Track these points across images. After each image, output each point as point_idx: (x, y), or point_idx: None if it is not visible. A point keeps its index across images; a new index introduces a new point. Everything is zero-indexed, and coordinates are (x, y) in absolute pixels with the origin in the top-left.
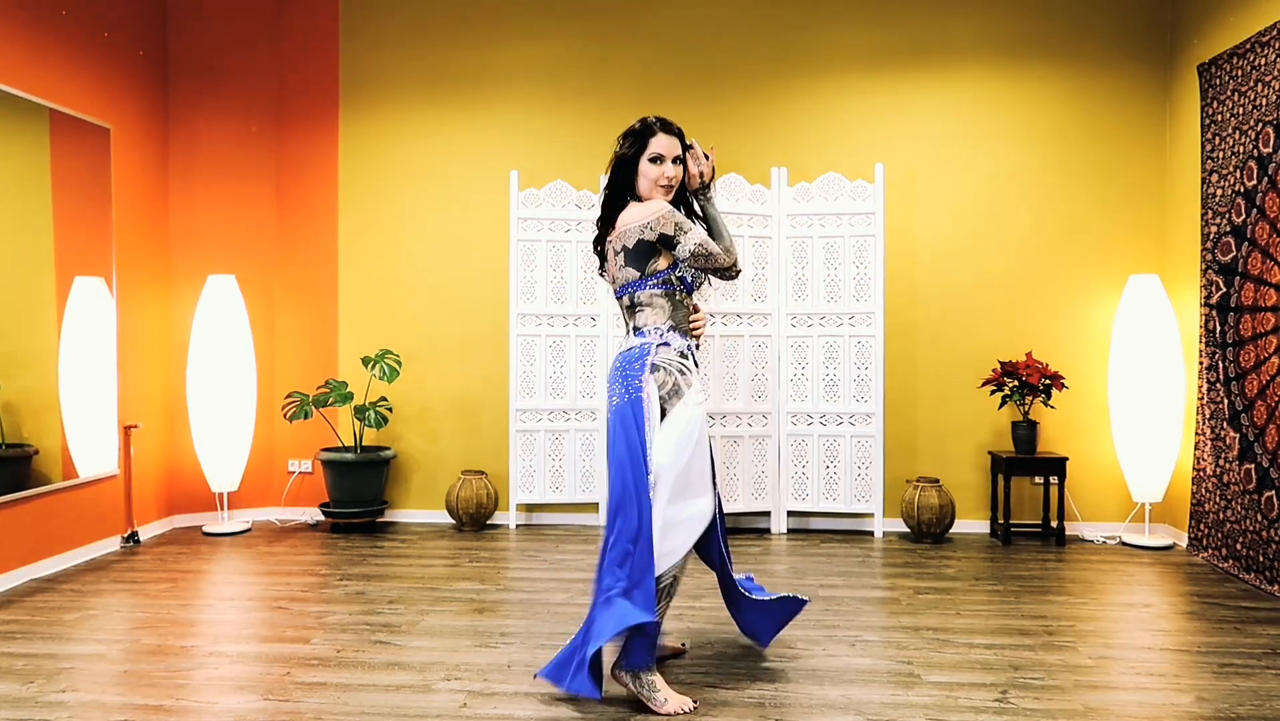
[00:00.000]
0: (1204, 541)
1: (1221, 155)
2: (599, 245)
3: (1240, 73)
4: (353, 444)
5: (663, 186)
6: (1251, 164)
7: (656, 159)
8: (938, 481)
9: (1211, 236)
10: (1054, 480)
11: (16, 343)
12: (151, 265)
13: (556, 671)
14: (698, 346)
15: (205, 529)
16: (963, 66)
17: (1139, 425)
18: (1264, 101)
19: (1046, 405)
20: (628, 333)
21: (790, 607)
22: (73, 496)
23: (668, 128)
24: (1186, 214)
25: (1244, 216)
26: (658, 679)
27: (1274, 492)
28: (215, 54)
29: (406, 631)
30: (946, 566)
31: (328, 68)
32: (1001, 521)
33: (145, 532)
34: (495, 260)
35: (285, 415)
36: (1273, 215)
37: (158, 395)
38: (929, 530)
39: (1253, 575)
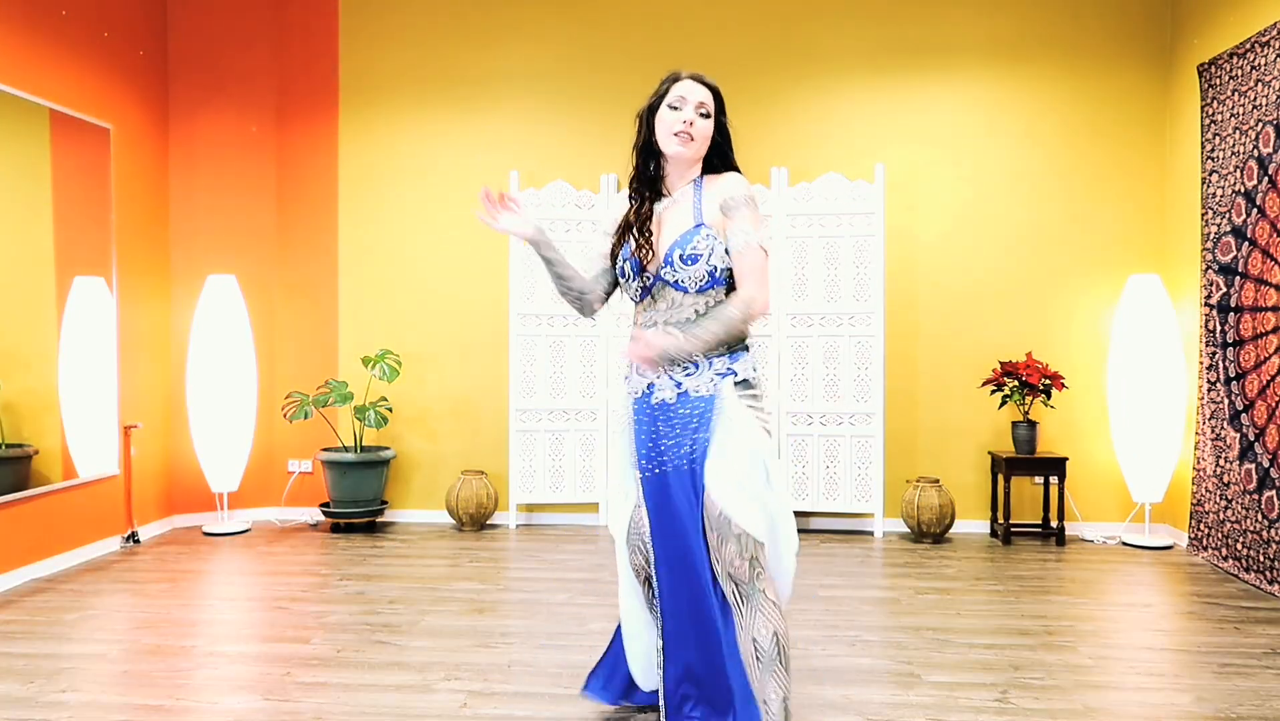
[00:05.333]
0: (1204, 541)
1: (1221, 155)
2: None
3: (1240, 73)
4: (353, 444)
5: (678, 134)
6: (1251, 164)
7: (678, 104)
8: (938, 481)
9: (1211, 236)
10: (1054, 480)
11: (16, 343)
12: (151, 265)
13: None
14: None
15: (205, 529)
16: (963, 66)
17: (1139, 425)
18: (1264, 101)
19: (1046, 405)
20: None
21: None
22: (73, 496)
23: (699, 79)
24: (1186, 214)
25: (1244, 216)
26: None
27: (1274, 493)
28: (215, 54)
29: (406, 631)
30: (946, 566)
31: (328, 68)
32: (1001, 521)
33: (145, 532)
34: (495, 260)
35: (285, 415)
36: (1273, 215)
37: (158, 395)
38: (929, 530)
39: (1253, 575)
